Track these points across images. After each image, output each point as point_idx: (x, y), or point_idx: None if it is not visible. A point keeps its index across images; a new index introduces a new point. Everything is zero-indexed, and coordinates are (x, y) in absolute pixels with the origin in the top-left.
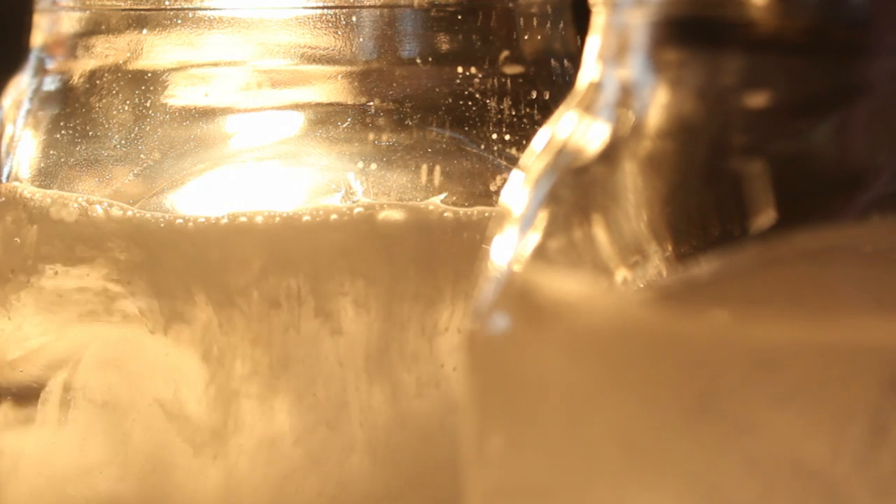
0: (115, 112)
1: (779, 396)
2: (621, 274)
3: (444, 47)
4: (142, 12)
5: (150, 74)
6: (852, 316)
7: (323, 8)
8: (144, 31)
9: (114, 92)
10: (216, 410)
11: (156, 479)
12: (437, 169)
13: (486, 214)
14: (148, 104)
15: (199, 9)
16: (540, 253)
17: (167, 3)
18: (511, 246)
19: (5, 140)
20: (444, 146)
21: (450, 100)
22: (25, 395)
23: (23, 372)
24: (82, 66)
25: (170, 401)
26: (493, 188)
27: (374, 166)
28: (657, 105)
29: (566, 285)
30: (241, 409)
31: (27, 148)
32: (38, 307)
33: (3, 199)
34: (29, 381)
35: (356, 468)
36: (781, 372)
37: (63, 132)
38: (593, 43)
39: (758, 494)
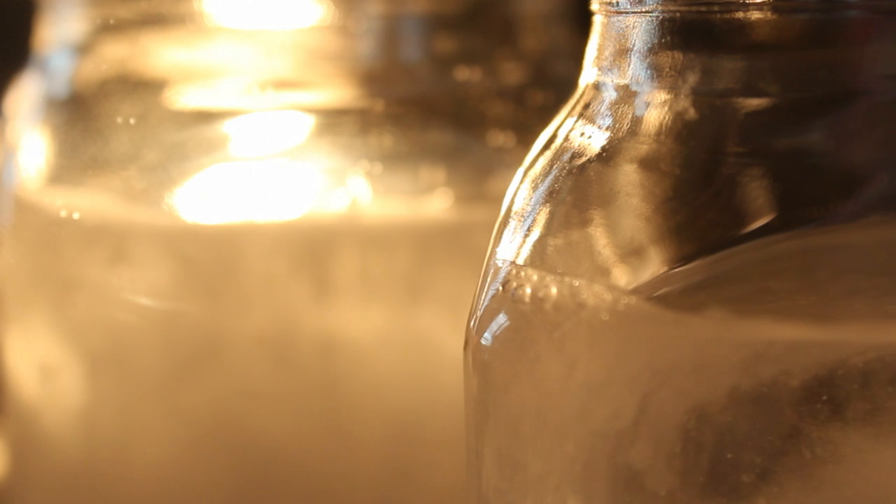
0: (121, 114)
1: (777, 395)
2: (619, 273)
3: (446, 50)
4: (148, 15)
5: (156, 77)
6: (851, 316)
7: (327, 12)
8: (151, 34)
9: (120, 94)
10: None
11: None
12: (440, 170)
13: (488, 215)
14: (154, 106)
15: (205, 12)
16: (539, 252)
17: (173, 6)
18: (511, 245)
19: (9, 141)
20: (446, 147)
21: (452, 101)
22: None
23: None
24: (88, 68)
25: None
26: (494, 189)
27: (377, 167)
28: (655, 106)
29: (565, 285)
30: (238, 408)
31: (33, 149)
32: None
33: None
34: None
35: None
36: (778, 371)
37: (69, 134)
38: (593, 44)
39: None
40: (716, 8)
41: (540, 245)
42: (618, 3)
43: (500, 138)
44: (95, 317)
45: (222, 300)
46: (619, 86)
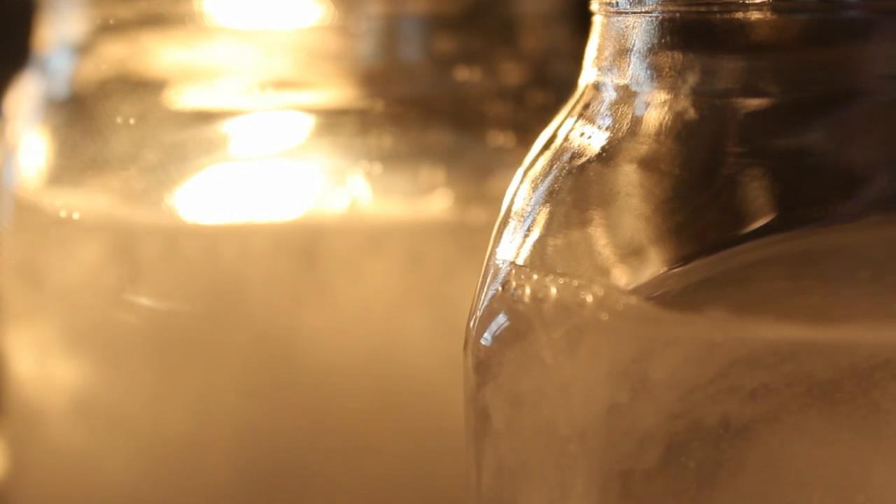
0: (121, 114)
1: (777, 394)
2: (619, 273)
3: (446, 50)
4: (148, 15)
5: (156, 77)
6: (851, 316)
7: (326, 13)
8: (151, 34)
9: (120, 94)
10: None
11: None
12: (440, 170)
13: (488, 215)
14: (154, 106)
15: (205, 12)
16: (539, 252)
17: (173, 6)
18: (511, 245)
19: (9, 141)
20: (446, 147)
21: (452, 101)
22: None
23: None
24: (88, 69)
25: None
26: (494, 189)
27: (377, 167)
28: (655, 106)
29: (565, 285)
30: (237, 407)
31: (33, 149)
32: None
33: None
34: None
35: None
36: (779, 371)
37: (69, 134)
38: (593, 44)
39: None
40: (716, 8)
41: (540, 245)
42: (618, 3)
43: (500, 138)
44: (95, 317)
45: (222, 300)
46: (619, 86)
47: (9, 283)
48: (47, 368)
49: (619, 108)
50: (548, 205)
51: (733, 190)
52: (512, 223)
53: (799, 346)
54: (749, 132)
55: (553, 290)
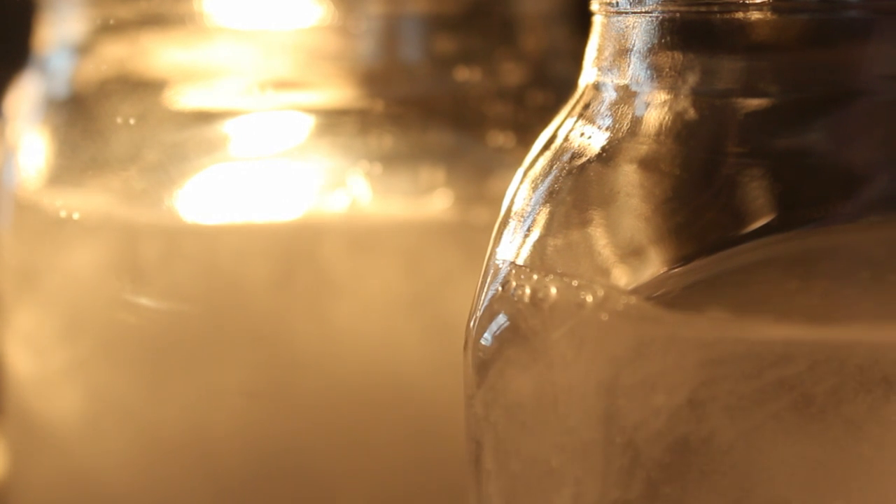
0: (121, 114)
1: (777, 395)
2: (619, 273)
3: (446, 50)
4: (148, 15)
5: (156, 77)
6: (851, 316)
7: (326, 13)
8: (151, 34)
9: (120, 94)
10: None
11: None
12: (440, 170)
13: (488, 215)
14: (154, 106)
15: (205, 12)
16: (539, 252)
17: (173, 6)
18: (511, 245)
19: (9, 141)
20: (446, 147)
21: (452, 101)
22: None
23: None
24: (88, 69)
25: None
26: (494, 189)
27: (377, 167)
28: (655, 106)
29: (565, 285)
30: (237, 407)
31: (33, 149)
32: None
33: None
34: None
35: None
36: (778, 372)
37: (69, 134)
38: (593, 45)
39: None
40: (716, 8)
41: (540, 245)
42: (618, 3)
43: (500, 138)
44: (95, 317)
45: (222, 300)
46: (619, 86)
47: (9, 283)
48: (47, 368)
49: (619, 108)
50: (548, 205)
51: (733, 190)
52: (512, 223)
53: (799, 347)
54: (749, 132)
55: (553, 290)
